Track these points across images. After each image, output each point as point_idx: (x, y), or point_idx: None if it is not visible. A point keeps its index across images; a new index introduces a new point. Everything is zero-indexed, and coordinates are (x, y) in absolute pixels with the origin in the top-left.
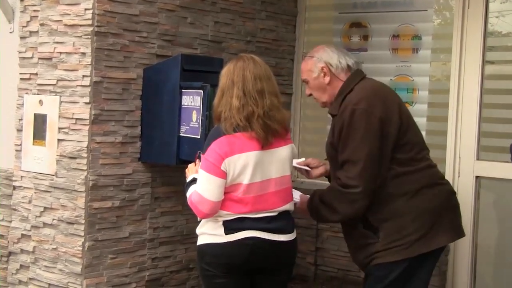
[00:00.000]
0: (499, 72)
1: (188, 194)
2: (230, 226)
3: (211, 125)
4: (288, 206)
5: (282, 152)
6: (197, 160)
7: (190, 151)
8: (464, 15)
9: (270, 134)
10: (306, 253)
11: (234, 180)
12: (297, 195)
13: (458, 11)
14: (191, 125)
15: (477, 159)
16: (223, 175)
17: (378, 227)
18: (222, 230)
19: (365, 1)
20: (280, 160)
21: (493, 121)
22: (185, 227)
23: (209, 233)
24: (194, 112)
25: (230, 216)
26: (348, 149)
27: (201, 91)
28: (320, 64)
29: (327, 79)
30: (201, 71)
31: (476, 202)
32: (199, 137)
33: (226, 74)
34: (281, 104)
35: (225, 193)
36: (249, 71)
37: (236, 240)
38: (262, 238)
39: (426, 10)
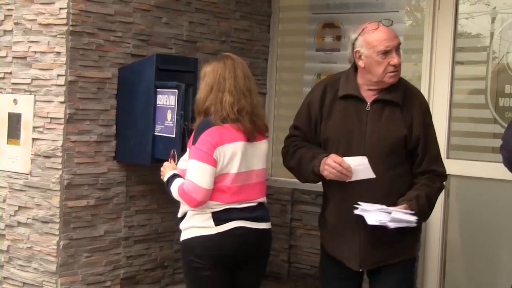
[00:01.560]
0: (468, 73)
1: (172, 188)
2: (219, 217)
3: (191, 123)
4: (264, 199)
5: (262, 145)
6: (171, 158)
7: (165, 150)
8: (435, 17)
9: (255, 128)
10: (280, 250)
11: (223, 170)
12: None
13: (428, 13)
14: (166, 124)
15: (447, 157)
16: (215, 163)
17: None
18: (211, 222)
19: (338, 2)
20: (261, 153)
21: (463, 121)
22: (160, 226)
23: (198, 226)
24: (169, 111)
25: (218, 207)
26: (437, 144)
27: (176, 90)
28: None
29: None
30: (176, 71)
31: (446, 200)
32: (173, 136)
33: (214, 70)
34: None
35: (214, 183)
36: (240, 69)
37: (226, 231)
38: (248, 228)
39: (398, 11)
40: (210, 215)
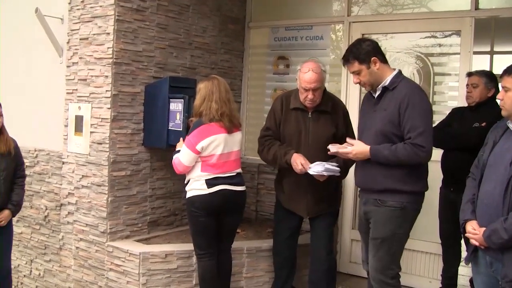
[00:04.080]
0: None
1: (173, 157)
2: (210, 183)
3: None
4: (240, 170)
5: (238, 136)
6: (182, 139)
7: (176, 138)
8: None
9: (232, 125)
10: (250, 203)
11: (210, 152)
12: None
13: (345, 50)
14: (176, 122)
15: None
16: (197, 152)
17: None
18: (205, 186)
19: (287, 43)
20: (237, 140)
21: None
22: (172, 188)
23: (197, 188)
24: (178, 114)
25: (209, 176)
26: (354, 133)
27: (183, 100)
28: None
29: None
30: (182, 87)
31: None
32: (181, 129)
33: (206, 87)
34: (236, 108)
35: (203, 160)
36: (222, 87)
37: (214, 191)
38: (230, 189)
39: (325, 49)
40: (204, 181)
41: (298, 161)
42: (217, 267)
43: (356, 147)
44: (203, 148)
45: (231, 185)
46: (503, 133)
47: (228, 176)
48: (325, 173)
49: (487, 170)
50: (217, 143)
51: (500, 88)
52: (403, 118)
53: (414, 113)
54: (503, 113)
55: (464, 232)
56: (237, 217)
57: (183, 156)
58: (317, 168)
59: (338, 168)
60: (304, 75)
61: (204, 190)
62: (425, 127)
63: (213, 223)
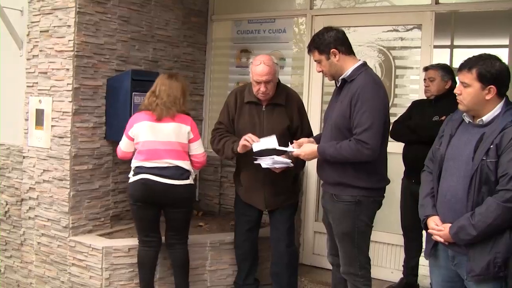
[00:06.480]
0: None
1: None
2: (135, 171)
3: None
4: (179, 163)
5: (170, 125)
6: None
7: None
8: None
9: (165, 113)
10: (213, 196)
11: (137, 139)
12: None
13: (307, 43)
14: None
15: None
16: (130, 138)
17: None
18: (132, 174)
19: (250, 36)
20: (171, 130)
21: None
22: None
23: (130, 176)
24: None
25: (137, 164)
26: (309, 123)
27: None
28: None
29: None
30: (144, 80)
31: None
32: None
33: (157, 80)
34: (184, 101)
35: (135, 148)
36: (172, 82)
37: (135, 180)
38: (153, 180)
39: (288, 42)
40: (132, 169)
41: (245, 137)
42: (155, 258)
43: (304, 148)
44: (134, 135)
45: (157, 176)
46: (459, 125)
47: (156, 167)
48: (276, 166)
49: (446, 164)
50: (140, 130)
51: (458, 82)
52: (353, 113)
53: (363, 109)
54: (461, 107)
55: (426, 227)
56: (179, 212)
57: (121, 141)
58: (266, 161)
59: (288, 160)
60: (255, 68)
61: (131, 178)
62: (372, 123)
63: (149, 213)
